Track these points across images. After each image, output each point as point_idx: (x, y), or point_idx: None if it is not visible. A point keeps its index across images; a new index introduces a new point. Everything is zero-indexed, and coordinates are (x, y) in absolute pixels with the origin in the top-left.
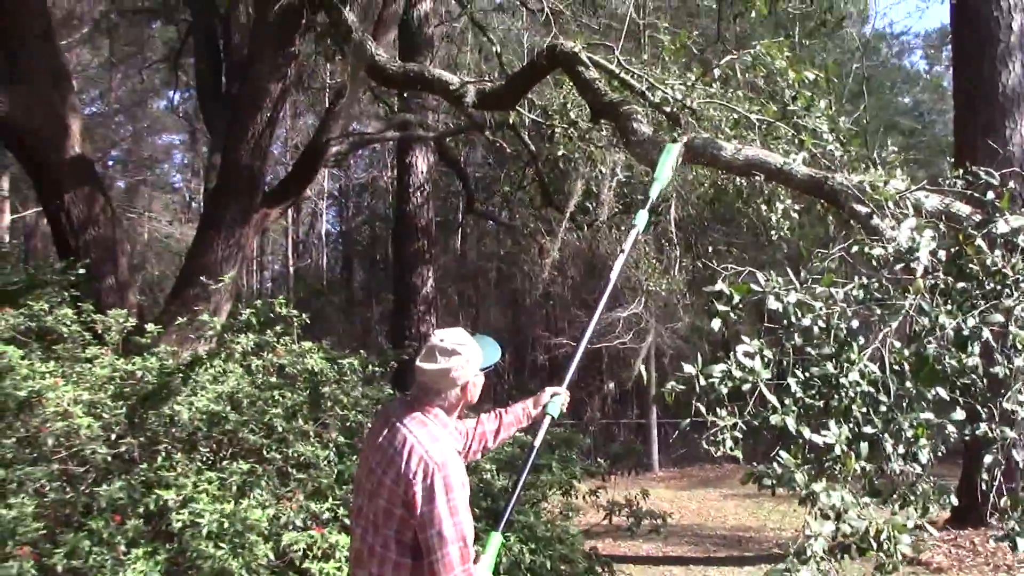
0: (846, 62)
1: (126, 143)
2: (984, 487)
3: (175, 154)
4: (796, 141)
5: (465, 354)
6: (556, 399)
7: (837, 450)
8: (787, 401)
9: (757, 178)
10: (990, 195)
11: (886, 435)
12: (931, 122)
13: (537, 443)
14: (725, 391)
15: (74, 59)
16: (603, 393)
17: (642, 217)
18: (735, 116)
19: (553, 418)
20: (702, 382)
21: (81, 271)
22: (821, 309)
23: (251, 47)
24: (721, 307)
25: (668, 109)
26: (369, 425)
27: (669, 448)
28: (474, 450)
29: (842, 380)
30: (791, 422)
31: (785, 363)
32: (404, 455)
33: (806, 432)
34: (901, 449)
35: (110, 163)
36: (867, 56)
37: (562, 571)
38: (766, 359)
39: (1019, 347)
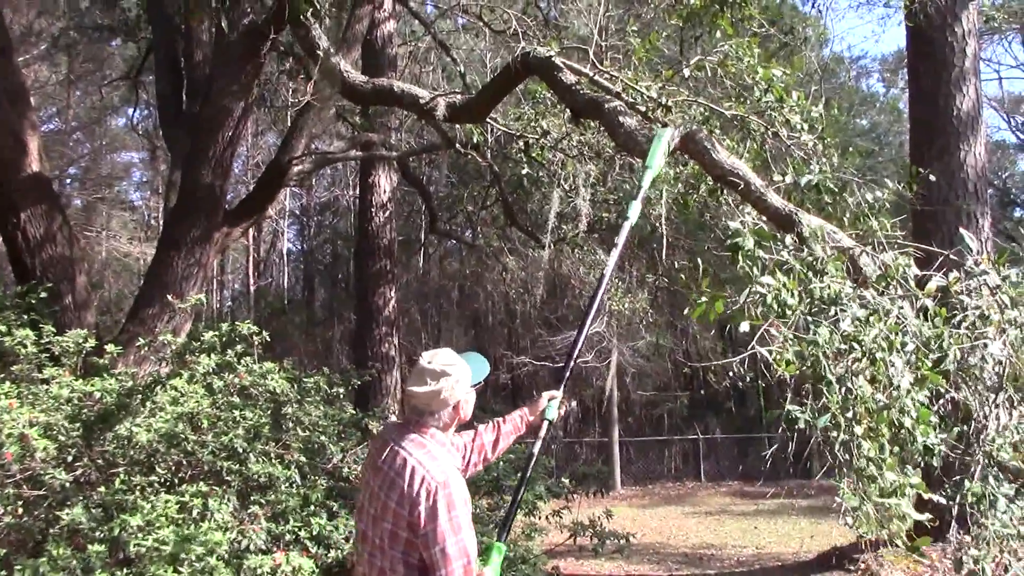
0: (805, 84)
1: (84, 161)
2: (946, 503)
3: (134, 172)
4: (771, 135)
5: (454, 374)
6: (553, 403)
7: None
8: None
9: (724, 197)
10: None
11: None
12: (888, 143)
13: (536, 450)
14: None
15: (32, 76)
16: (566, 412)
17: (635, 209)
18: (706, 113)
19: (551, 422)
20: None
21: (42, 294)
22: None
23: (213, 65)
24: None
25: (643, 109)
26: (330, 447)
27: (631, 466)
28: (474, 463)
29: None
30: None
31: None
32: (406, 477)
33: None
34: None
35: (68, 181)
36: (826, 79)
37: None
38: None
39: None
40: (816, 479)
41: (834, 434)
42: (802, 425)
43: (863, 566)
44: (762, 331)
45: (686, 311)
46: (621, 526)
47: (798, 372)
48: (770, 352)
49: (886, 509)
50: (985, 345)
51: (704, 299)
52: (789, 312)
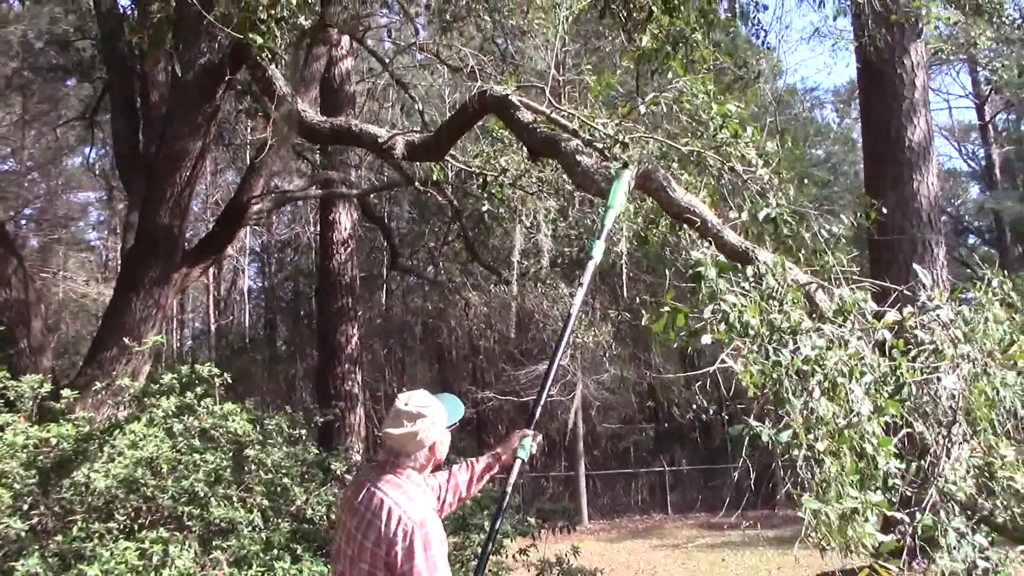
0: (760, 116)
1: (40, 201)
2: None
3: (91, 212)
4: (728, 169)
5: (430, 415)
6: (525, 441)
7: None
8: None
9: (684, 233)
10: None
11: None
12: (843, 173)
13: (509, 488)
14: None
15: None
16: (537, 449)
17: (598, 248)
18: (662, 148)
19: (523, 461)
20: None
21: None
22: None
23: (170, 105)
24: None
25: (600, 146)
26: (293, 489)
27: (598, 499)
28: (449, 503)
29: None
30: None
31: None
32: (383, 517)
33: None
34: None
35: (23, 222)
36: (780, 110)
37: None
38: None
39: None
40: (781, 511)
41: (795, 452)
42: (765, 439)
43: None
44: (728, 351)
45: (644, 321)
46: (589, 561)
47: (761, 392)
48: (735, 366)
49: (849, 522)
50: (939, 379)
51: (666, 309)
52: (751, 332)
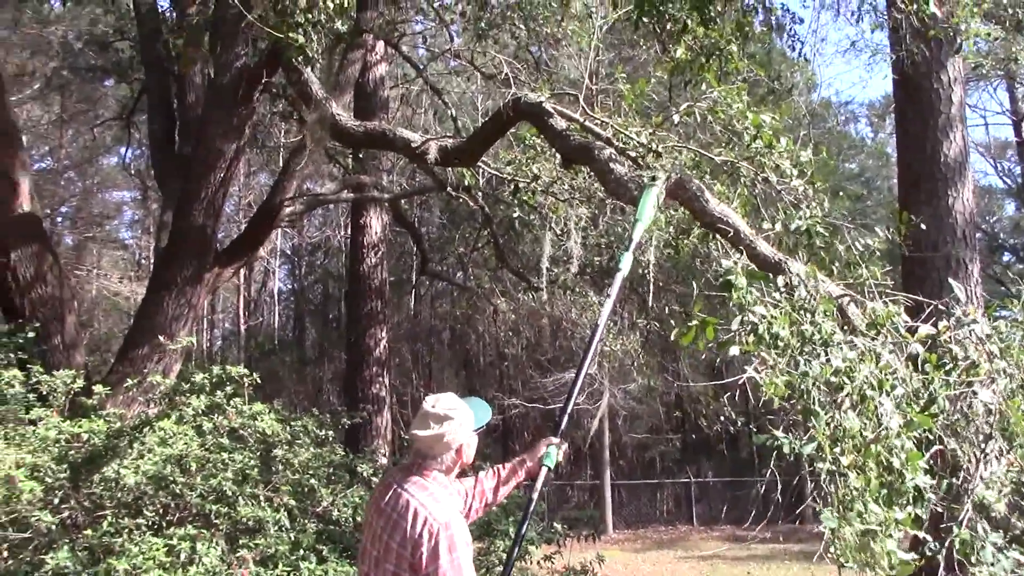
0: (794, 128)
1: (76, 200)
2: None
3: (126, 211)
4: (761, 180)
5: (457, 418)
6: (551, 449)
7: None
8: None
9: (715, 242)
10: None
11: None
12: (876, 188)
13: (535, 495)
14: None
15: (24, 115)
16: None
17: (626, 260)
18: (696, 158)
19: (550, 469)
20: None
21: (30, 334)
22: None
23: (206, 107)
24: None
25: (633, 155)
26: (320, 490)
27: (623, 509)
28: (475, 508)
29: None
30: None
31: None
32: (408, 518)
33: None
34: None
35: (59, 220)
36: (814, 124)
37: None
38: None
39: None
40: (808, 524)
41: (820, 464)
42: (787, 450)
43: None
44: (755, 364)
45: (673, 336)
46: (614, 571)
47: (787, 402)
48: (761, 377)
49: (869, 539)
50: (975, 393)
51: (695, 322)
52: (780, 344)
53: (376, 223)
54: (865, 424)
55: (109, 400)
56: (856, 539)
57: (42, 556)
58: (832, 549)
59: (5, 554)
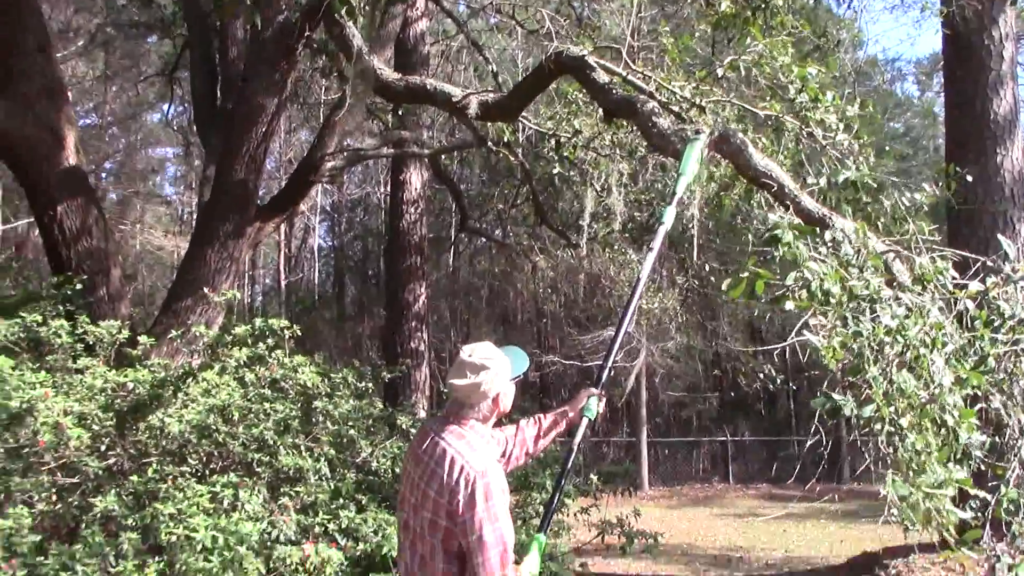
0: (839, 86)
1: (120, 155)
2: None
3: (168, 167)
4: (806, 134)
5: (494, 367)
6: (592, 401)
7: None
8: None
9: (758, 199)
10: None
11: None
12: (923, 148)
13: (575, 444)
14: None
15: (69, 71)
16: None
17: (669, 214)
18: (740, 113)
19: (590, 420)
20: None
21: (77, 285)
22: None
23: (248, 62)
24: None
25: (676, 109)
26: (359, 441)
27: (659, 467)
28: (515, 456)
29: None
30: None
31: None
32: (445, 466)
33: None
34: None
35: (103, 175)
36: (860, 82)
37: None
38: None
39: None
40: (845, 484)
41: (878, 426)
42: (848, 413)
43: (895, 571)
44: (808, 321)
45: (724, 286)
46: (649, 526)
47: (842, 364)
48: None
49: (932, 502)
50: (1023, 351)
51: (745, 275)
52: (832, 301)
53: (416, 179)
54: (918, 384)
55: (154, 351)
56: (921, 501)
57: (90, 500)
58: (895, 511)
59: (55, 498)
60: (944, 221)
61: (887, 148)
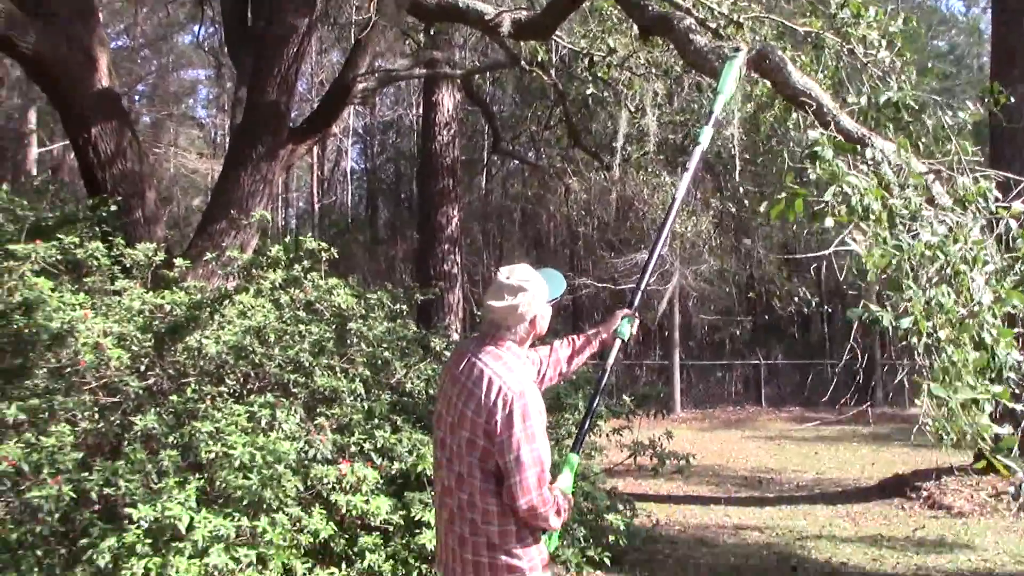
0: (882, 2)
1: (152, 78)
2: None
3: (201, 89)
4: (847, 52)
5: (531, 289)
6: (625, 322)
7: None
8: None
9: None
10: None
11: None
12: (967, 67)
13: (608, 364)
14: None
15: None
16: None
17: (706, 134)
18: (779, 29)
19: (623, 340)
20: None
21: (113, 208)
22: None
23: None
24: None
25: (713, 26)
26: (394, 363)
27: (691, 390)
28: (550, 376)
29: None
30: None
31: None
32: (483, 387)
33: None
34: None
35: (136, 98)
36: None
37: (584, 508)
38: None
39: None
40: (878, 408)
41: (915, 339)
42: (885, 324)
43: (925, 493)
44: (849, 233)
45: (762, 207)
46: (681, 448)
47: (881, 277)
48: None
49: (968, 415)
50: None
51: (783, 195)
52: (872, 216)
53: (448, 101)
54: (957, 299)
55: (189, 273)
56: (958, 413)
57: (131, 419)
58: (928, 422)
59: (97, 416)
60: (987, 142)
61: (930, 66)
